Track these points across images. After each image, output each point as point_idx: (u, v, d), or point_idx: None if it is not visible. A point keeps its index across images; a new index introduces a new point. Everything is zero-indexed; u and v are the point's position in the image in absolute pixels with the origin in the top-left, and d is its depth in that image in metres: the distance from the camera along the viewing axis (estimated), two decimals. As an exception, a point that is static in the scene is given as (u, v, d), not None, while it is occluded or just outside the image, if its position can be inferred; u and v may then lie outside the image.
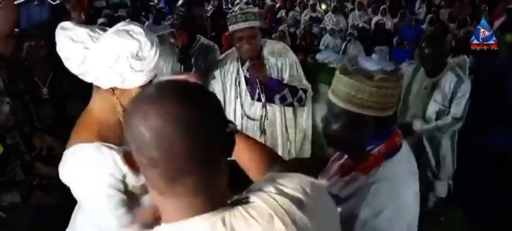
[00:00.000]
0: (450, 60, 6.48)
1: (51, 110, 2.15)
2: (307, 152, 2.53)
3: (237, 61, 2.32)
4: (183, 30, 2.33)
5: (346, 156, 1.25)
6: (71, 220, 1.50)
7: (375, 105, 1.09)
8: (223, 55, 2.46)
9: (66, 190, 2.13)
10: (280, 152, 2.40)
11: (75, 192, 1.26)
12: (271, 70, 2.27)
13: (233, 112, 2.38)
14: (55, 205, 2.20)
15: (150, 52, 1.21)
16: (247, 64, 2.27)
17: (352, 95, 1.09)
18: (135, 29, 1.20)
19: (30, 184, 2.20)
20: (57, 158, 2.14)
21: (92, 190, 1.23)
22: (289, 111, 2.39)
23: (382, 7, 9.78)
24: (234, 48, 2.39)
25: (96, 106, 1.30)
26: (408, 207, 1.12)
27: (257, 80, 2.22)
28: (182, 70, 2.31)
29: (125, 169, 1.28)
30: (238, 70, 2.33)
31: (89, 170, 1.22)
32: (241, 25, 2.14)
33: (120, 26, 1.21)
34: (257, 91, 2.26)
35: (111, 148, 1.25)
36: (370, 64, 1.10)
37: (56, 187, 2.20)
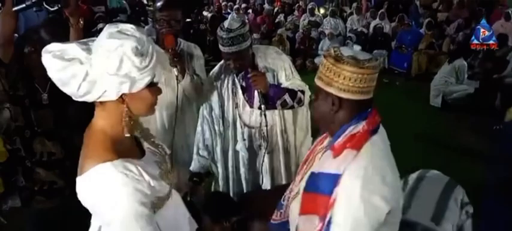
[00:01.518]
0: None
1: (51, 115, 2.14)
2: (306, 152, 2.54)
3: (232, 72, 2.33)
4: (170, 33, 2.33)
5: (329, 138, 1.37)
6: None
7: (337, 84, 1.23)
8: (217, 66, 2.46)
9: (66, 195, 2.14)
10: (281, 155, 2.40)
11: (103, 215, 1.19)
12: (269, 77, 2.28)
13: (232, 122, 2.39)
14: (56, 210, 2.20)
15: (148, 46, 1.18)
16: (242, 74, 2.28)
17: (322, 72, 1.26)
18: (126, 26, 1.17)
19: (31, 190, 2.19)
20: (58, 164, 2.17)
21: (122, 209, 1.16)
22: (288, 112, 2.40)
23: (380, 11, 9.82)
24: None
25: (102, 123, 1.24)
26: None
27: (258, 91, 2.22)
28: (177, 73, 2.30)
29: (152, 181, 1.23)
30: (233, 81, 2.34)
31: (117, 189, 1.15)
32: (227, 49, 2.14)
33: (109, 29, 1.16)
34: (258, 100, 2.27)
35: (133, 162, 1.20)
36: (347, 51, 1.25)
37: (57, 192, 2.20)
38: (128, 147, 1.27)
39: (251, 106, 2.32)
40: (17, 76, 2.12)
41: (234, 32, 2.11)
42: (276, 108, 2.28)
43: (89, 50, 1.14)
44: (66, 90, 1.16)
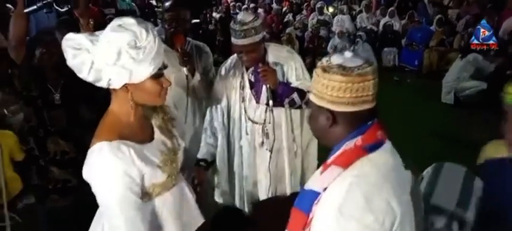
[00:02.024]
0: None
1: (63, 115, 2.18)
2: (312, 155, 2.51)
3: (242, 66, 2.33)
4: (179, 32, 2.34)
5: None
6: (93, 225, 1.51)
7: (327, 97, 1.12)
8: (229, 59, 2.46)
9: (80, 193, 2.17)
10: (285, 155, 2.38)
11: (94, 190, 1.29)
12: (278, 75, 2.27)
13: (238, 116, 2.38)
14: (69, 208, 2.23)
15: (148, 40, 1.25)
16: (252, 68, 2.27)
17: (313, 86, 1.16)
18: (127, 20, 1.25)
19: (45, 188, 2.22)
20: (71, 162, 2.19)
21: (107, 187, 1.26)
22: (296, 112, 2.38)
23: (390, 9, 9.75)
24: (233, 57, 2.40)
25: (115, 107, 1.35)
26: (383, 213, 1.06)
27: (267, 86, 2.21)
28: (186, 73, 2.30)
29: (144, 167, 1.32)
30: (242, 74, 2.34)
31: (106, 168, 1.25)
32: (240, 42, 2.15)
33: (113, 23, 1.26)
34: (265, 95, 2.26)
35: (130, 146, 1.29)
36: (337, 59, 1.14)
37: (70, 190, 2.23)
38: (135, 131, 1.36)
39: (257, 102, 2.32)
40: (29, 77, 2.15)
41: (247, 24, 2.12)
42: (283, 106, 2.27)
43: (95, 41, 1.25)
44: (81, 76, 1.28)
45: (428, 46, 8.38)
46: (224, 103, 2.41)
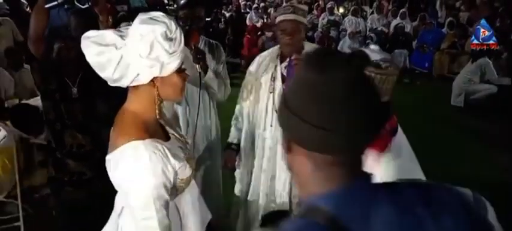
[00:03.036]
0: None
1: (80, 109, 2.22)
2: None
3: (277, 58, 2.35)
4: (194, 30, 2.36)
5: None
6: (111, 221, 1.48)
7: (380, 91, 1.21)
8: (266, 52, 2.50)
9: (95, 185, 2.21)
10: None
11: (128, 190, 1.25)
12: None
13: (265, 107, 2.39)
14: (84, 200, 2.27)
15: (177, 32, 1.25)
16: (286, 62, 2.29)
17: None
18: (156, 13, 1.24)
19: (61, 180, 2.27)
20: (87, 156, 2.24)
21: (146, 186, 1.22)
22: None
23: (401, 10, 9.70)
24: (277, 46, 2.42)
25: (134, 106, 1.31)
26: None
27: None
28: (199, 70, 2.34)
29: (177, 163, 1.30)
30: (276, 66, 2.36)
31: (144, 167, 1.21)
32: (288, 16, 2.19)
33: (142, 16, 1.24)
34: None
35: (161, 143, 1.27)
36: (375, 55, 1.24)
37: (86, 183, 2.28)
38: (156, 129, 1.34)
39: None
40: (47, 71, 2.20)
41: (297, 4, 2.21)
42: None
43: (123, 36, 1.22)
44: (103, 74, 1.24)
45: (439, 49, 8.33)
46: (253, 93, 2.43)
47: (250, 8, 11.43)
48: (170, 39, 1.22)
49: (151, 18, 1.22)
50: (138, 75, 1.23)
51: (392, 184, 0.79)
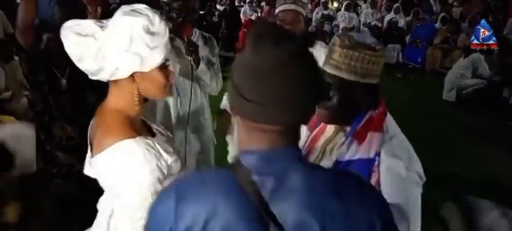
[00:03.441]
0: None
1: (69, 101, 2.20)
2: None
3: None
4: (187, 22, 2.34)
5: (336, 128, 1.36)
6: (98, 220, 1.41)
7: (374, 73, 1.23)
8: None
9: (84, 178, 2.20)
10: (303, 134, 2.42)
11: (121, 190, 1.20)
12: None
13: None
14: (74, 192, 2.26)
15: (161, 26, 1.20)
16: None
17: (359, 66, 1.23)
18: (139, 5, 1.19)
19: (50, 172, 2.25)
20: (76, 147, 2.22)
21: (142, 184, 1.18)
22: None
23: (395, 5, 9.72)
24: None
25: (116, 102, 1.25)
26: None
27: None
28: (191, 63, 2.32)
29: (169, 158, 1.25)
30: None
31: (140, 165, 1.17)
32: (289, 6, 2.22)
33: (124, 8, 1.19)
34: None
35: (152, 140, 1.22)
36: (366, 38, 1.26)
37: (75, 175, 2.26)
38: (140, 125, 1.30)
39: None
40: (36, 62, 2.18)
41: None
42: None
43: (103, 27, 1.18)
44: (81, 65, 1.19)
45: (432, 44, 8.37)
46: None
47: (245, 2, 11.40)
48: (152, 33, 1.17)
49: (133, 10, 1.17)
50: (116, 68, 1.18)
51: (315, 165, 0.89)
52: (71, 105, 2.21)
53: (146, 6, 1.19)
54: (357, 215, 0.78)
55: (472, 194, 3.57)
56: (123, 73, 1.20)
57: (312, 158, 1.41)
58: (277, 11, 2.28)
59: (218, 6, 11.55)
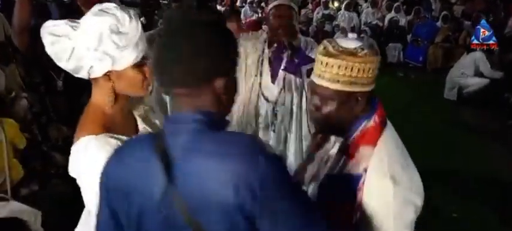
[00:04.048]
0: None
1: (66, 102, 2.21)
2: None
3: (264, 42, 2.36)
4: None
5: (334, 138, 1.29)
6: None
7: (362, 80, 1.14)
8: (249, 34, 2.50)
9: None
10: (292, 140, 2.41)
11: (81, 186, 1.24)
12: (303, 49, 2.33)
13: (250, 89, 2.40)
14: (72, 193, 2.26)
15: (131, 26, 1.21)
16: (274, 46, 2.30)
17: (341, 74, 1.13)
18: (109, 5, 1.21)
19: (47, 173, 2.26)
20: (72, 149, 2.22)
21: (92, 181, 1.13)
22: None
23: (396, 4, 9.70)
24: (261, 30, 2.43)
25: (97, 99, 1.29)
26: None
27: (286, 44, 2.24)
28: None
29: None
30: (263, 50, 2.37)
31: (95, 164, 1.13)
32: (281, 1, 2.26)
33: (94, 8, 1.21)
34: (284, 60, 2.26)
35: (117, 139, 1.22)
36: (350, 43, 1.16)
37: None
38: (119, 123, 1.31)
39: (273, 82, 2.36)
40: (32, 64, 2.18)
41: None
42: (300, 75, 2.28)
43: (75, 27, 1.21)
44: (60, 64, 1.23)
45: (434, 43, 8.34)
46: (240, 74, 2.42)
47: (245, 2, 11.41)
48: (120, 33, 1.19)
49: (101, 10, 1.20)
50: (91, 67, 1.21)
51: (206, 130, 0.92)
52: (67, 106, 2.21)
53: (116, 6, 1.22)
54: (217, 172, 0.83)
55: (473, 192, 3.58)
56: (98, 73, 1.23)
57: (311, 167, 1.35)
58: (270, 6, 2.31)
59: (219, 7, 11.56)
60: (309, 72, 2.23)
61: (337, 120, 1.20)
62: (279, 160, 0.90)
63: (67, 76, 2.21)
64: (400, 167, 1.13)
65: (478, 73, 6.23)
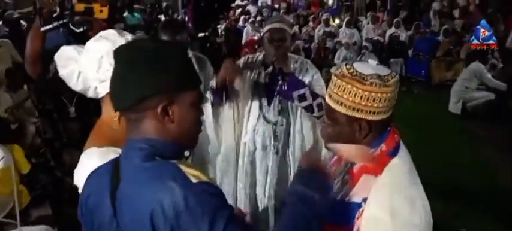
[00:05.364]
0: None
1: (78, 128, 2.24)
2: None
3: (261, 65, 2.39)
4: None
5: (344, 162, 1.27)
6: None
7: (366, 108, 1.11)
8: (247, 56, 2.53)
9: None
10: (291, 161, 2.41)
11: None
12: (296, 73, 2.34)
13: (248, 111, 2.42)
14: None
15: None
16: (269, 70, 2.32)
17: (345, 98, 1.12)
18: (109, 31, 1.32)
19: (60, 198, 2.28)
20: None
21: None
22: (306, 126, 2.40)
23: (396, 20, 9.79)
24: (258, 53, 2.47)
25: (105, 115, 1.37)
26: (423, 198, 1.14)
27: (279, 70, 2.25)
28: None
29: None
30: (259, 73, 2.39)
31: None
32: (275, 25, 2.29)
33: (98, 34, 1.32)
34: (278, 83, 2.28)
35: (118, 152, 1.26)
36: (365, 68, 1.14)
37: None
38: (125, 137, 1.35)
39: (269, 104, 2.38)
40: (44, 91, 2.22)
41: (283, 17, 2.28)
42: (292, 100, 2.29)
43: (80, 52, 1.32)
44: (71, 85, 1.35)
45: (435, 57, 8.39)
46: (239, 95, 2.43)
47: (247, 21, 11.52)
48: None
49: (100, 36, 1.30)
50: (95, 88, 1.31)
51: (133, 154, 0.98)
52: (80, 131, 2.24)
53: (115, 32, 1.32)
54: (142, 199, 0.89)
55: (482, 206, 3.57)
56: (103, 92, 1.32)
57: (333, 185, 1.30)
58: (264, 29, 2.34)
59: (221, 27, 11.70)
60: (301, 98, 2.28)
61: (339, 141, 1.19)
62: (203, 190, 0.89)
63: (79, 102, 2.27)
64: (401, 199, 1.09)
65: (482, 85, 6.23)
